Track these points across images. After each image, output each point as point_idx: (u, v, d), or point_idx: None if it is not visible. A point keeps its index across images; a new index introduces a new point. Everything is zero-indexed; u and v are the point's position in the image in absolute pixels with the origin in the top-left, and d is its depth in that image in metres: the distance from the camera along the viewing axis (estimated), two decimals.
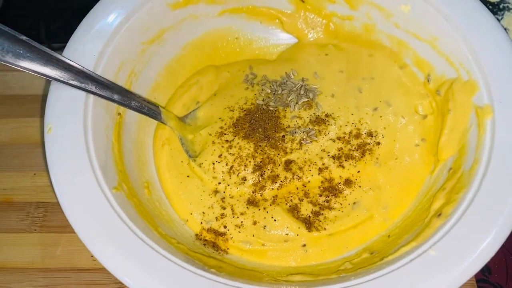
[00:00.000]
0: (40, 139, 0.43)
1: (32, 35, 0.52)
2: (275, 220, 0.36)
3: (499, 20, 0.47)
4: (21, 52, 0.30)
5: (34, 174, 0.41)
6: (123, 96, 0.34)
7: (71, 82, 0.32)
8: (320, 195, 0.37)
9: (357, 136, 0.39)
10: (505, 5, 0.48)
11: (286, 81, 0.42)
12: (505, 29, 0.47)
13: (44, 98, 0.45)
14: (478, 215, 0.28)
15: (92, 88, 0.33)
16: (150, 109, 0.36)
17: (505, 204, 0.29)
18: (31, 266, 0.37)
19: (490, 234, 0.27)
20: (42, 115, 0.44)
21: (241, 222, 0.36)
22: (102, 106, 0.35)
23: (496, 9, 0.48)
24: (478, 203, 0.29)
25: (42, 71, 0.30)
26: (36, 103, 0.45)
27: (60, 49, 0.51)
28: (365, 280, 0.28)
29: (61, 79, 0.31)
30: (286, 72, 0.43)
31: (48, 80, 0.31)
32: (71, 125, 0.33)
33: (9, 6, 0.53)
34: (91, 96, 0.34)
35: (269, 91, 0.42)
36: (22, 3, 0.54)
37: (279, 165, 0.38)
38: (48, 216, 0.40)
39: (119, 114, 0.37)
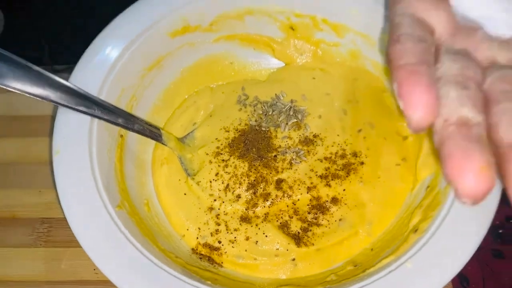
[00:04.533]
0: (45, 158, 0.45)
1: (35, 57, 0.55)
2: (266, 236, 0.38)
3: None
4: (35, 81, 0.32)
5: (40, 191, 0.44)
6: (127, 120, 0.37)
7: (79, 108, 0.34)
8: (309, 213, 0.39)
9: (343, 156, 0.41)
10: None
11: (276, 102, 0.45)
12: None
13: (48, 118, 0.48)
14: (449, 231, 0.31)
15: (99, 113, 0.35)
16: (152, 132, 0.39)
17: (474, 220, 0.31)
18: (36, 279, 0.40)
19: (460, 248, 0.30)
20: (47, 135, 0.47)
21: (235, 237, 0.39)
22: (105, 129, 0.37)
23: None
24: (450, 219, 0.32)
25: (53, 98, 0.33)
26: (41, 123, 0.47)
27: (63, 70, 0.54)
28: None
29: (70, 105, 0.34)
30: (276, 94, 0.46)
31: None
32: (77, 148, 0.35)
33: (11, 28, 0.55)
34: (95, 120, 0.37)
35: (261, 112, 0.45)
36: (25, 25, 0.56)
37: (271, 183, 0.40)
38: (52, 231, 0.42)
39: (121, 136, 0.40)
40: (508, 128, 0.20)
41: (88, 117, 0.36)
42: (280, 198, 0.40)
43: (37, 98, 0.33)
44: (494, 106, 0.21)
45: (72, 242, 0.41)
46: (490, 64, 0.24)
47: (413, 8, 0.25)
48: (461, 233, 0.31)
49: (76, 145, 0.35)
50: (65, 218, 0.41)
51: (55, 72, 0.53)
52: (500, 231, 0.44)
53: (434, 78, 0.22)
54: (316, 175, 0.41)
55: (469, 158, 0.19)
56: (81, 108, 0.35)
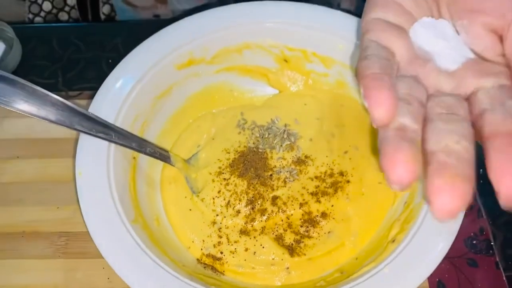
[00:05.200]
0: (61, 177, 0.50)
1: (51, 83, 0.60)
2: (263, 247, 0.43)
3: None
4: (61, 112, 0.37)
5: (57, 207, 0.48)
6: (140, 144, 0.42)
7: (99, 134, 0.39)
8: (301, 226, 0.44)
9: (331, 175, 0.46)
10: None
11: (272, 126, 0.50)
12: None
13: (63, 141, 0.52)
14: (421, 241, 0.36)
15: (115, 139, 0.40)
16: (161, 154, 0.44)
17: (443, 232, 0.36)
18: None
19: (429, 257, 0.35)
20: (62, 156, 0.51)
21: (235, 248, 0.43)
22: (121, 152, 0.42)
23: None
24: (422, 231, 0.37)
25: (77, 127, 0.38)
26: (58, 145, 0.52)
27: (76, 96, 0.59)
28: None
29: (91, 132, 0.39)
30: (271, 118, 0.51)
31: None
32: (97, 170, 0.40)
33: (29, 57, 0.60)
34: (112, 144, 0.41)
35: (258, 135, 0.50)
36: (40, 55, 0.61)
37: (267, 200, 0.45)
38: (69, 244, 0.46)
39: (134, 158, 0.45)
40: (434, 141, 0.25)
41: (106, 142, 0.41)
42: (276, 213, 0.45)
43: (62, 126, 0.38)
44: (427, 124, 0.26)
45: (87, 254, 0.45)
46: (436, 91, 0.29)
47: (379, 37, 0.31)
48: (431, 243, 0.36)
49: (96, 167, 0.40)
50: (81, 232, 0.46)
51: (69, 97, 0.58)
52: (474, 241, 0.48)
53: (394, 85, 0.27)
54: (308, 192, 0.45)
55: (399, 151, 0.25)
56: (100, 134, 0.40)
